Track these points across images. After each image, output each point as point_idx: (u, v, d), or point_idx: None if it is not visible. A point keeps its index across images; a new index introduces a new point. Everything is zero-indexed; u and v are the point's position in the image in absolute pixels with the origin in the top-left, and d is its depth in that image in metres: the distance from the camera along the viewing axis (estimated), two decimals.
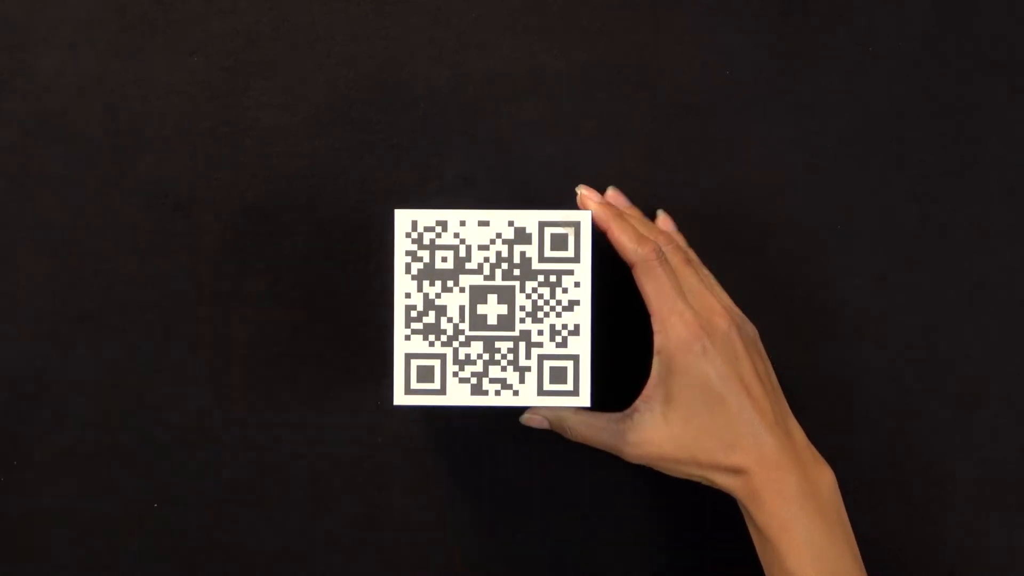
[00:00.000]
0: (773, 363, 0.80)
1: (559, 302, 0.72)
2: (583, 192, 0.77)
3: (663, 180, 0.80)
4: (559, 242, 0.72)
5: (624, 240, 0.72)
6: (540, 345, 0.72)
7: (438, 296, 0.72)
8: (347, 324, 0.81)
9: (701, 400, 0.70)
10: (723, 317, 0.71)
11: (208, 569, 0.81)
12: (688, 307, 0.71)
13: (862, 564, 0.70)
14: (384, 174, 0.80)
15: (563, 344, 0.72)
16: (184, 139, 0.80)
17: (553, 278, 0.72)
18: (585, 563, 0.81)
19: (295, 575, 0.81)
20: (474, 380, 0.72)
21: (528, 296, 0.72)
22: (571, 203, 0.81)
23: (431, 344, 0.72)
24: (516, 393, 0.72)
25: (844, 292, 0.81)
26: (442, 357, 0.72)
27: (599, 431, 0.74)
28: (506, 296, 0.72)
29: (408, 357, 0.72)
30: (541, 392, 0.71)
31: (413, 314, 0.72)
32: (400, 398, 0.72)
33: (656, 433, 0.72)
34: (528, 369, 0.72)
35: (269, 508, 0.81)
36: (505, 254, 0.72)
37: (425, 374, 0.72)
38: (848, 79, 0.80)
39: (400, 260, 0.72)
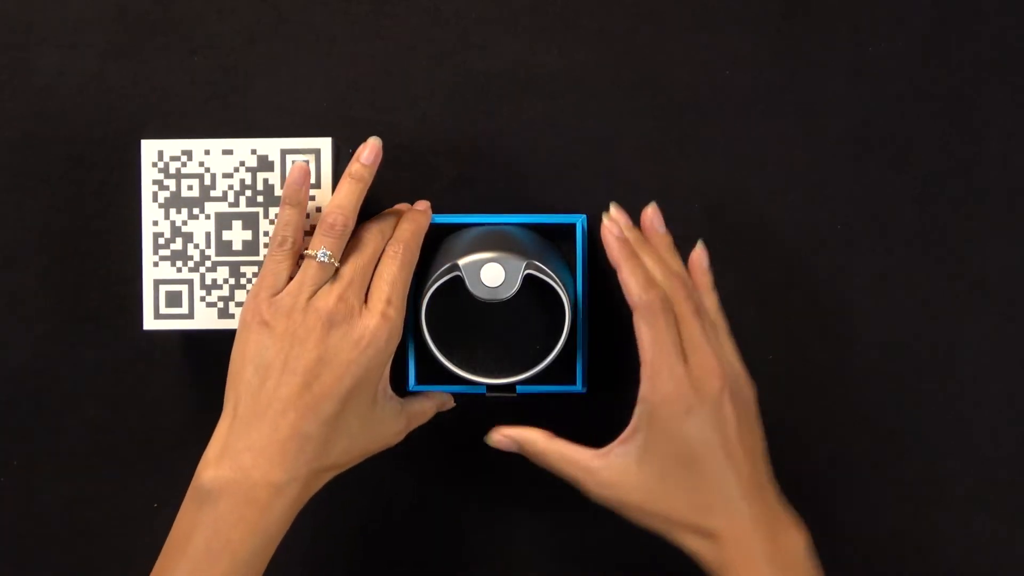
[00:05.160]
0: (774, 361, 0.80)
1: None
2: (607, 221, 0.73)
3: (663, 180, 0.80)
4: None
5: (632, 283, 0.70)
6: None
7: (184, 223, 0.74)
8: None
9: (679, 459, 0.69)
10: (718, 378, 0.69)
11: None
12: (680, 363, 0.69)
13: None
14: (384, 174, 0.80)
15: None
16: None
17: None
18: (586, 560, 0.81)
19: (295, 574, 0.81)
20: (221, 304, 0.75)
21: (272, 222, 0.75)
22: (571, 201, 0.81)
23: (179, 270, 0.74)
24: None
25: (844, 292, 0.81)
26: (189, 283, 0.74)
27: (569, 463, 0.72)
28: (250, 222, 0.74)
29: (156, 283, 0.74)
30: None
31: (161, 241, 0.75)
32: (149, 323, 0.75)
33: (628, 479, 0.70)
34: None
35: None
36: (249, 181, 0.74)
37: (173, 299, 0.74)
38: (848, 79, 0.80)
39: (147, 189, 0.75)
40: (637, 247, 0.73)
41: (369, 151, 0.74)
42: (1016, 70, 0.80)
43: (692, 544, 0.70)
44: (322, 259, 0.70)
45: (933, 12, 0.80)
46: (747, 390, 0.72)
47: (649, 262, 0.72)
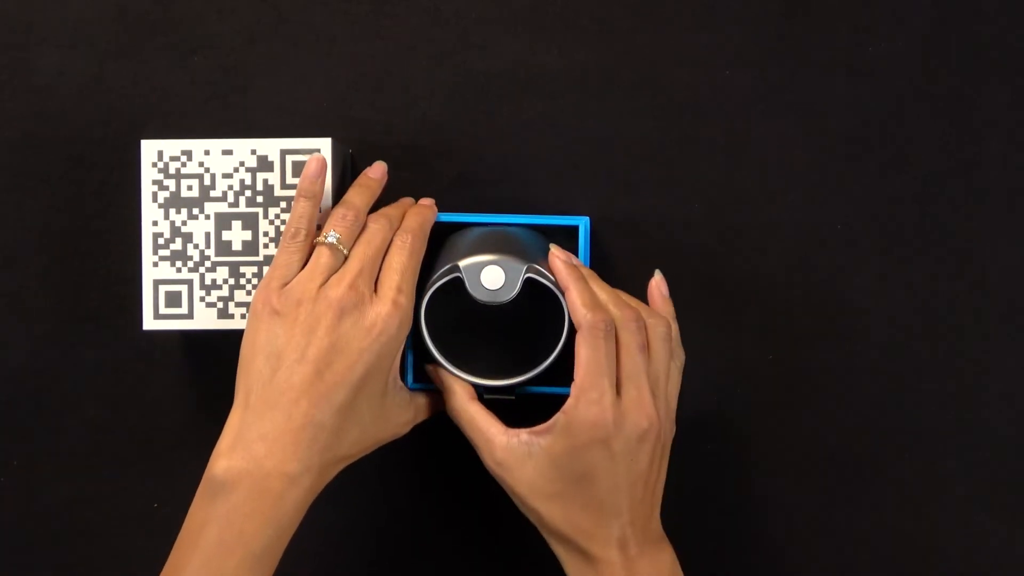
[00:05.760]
0: (774, 361, 0.80)
1: None
2: (555, 248, 0.74)
3: (663, 180, 0.80)
4: (300, 169, 0.74)
5: (578, 303, 0.70)
6: None
7: (184, 224, 0.75)
8: None
9: (576, 476, 0.69)
10: (647, 416, 0.69)
11: None
12: (611, 391, 0.69)
13: None
14: None
15: None
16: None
17: None
18: None
19: (294, 574, 0.81)
20: (220, 304, 0.75)
21: (271, 222, 0.75)
22: (571, 202, 0.81)
23: (178, 271, 0.75)
24: None
25: (844, 292, 0.81)
26: (189, 283, 0.74)
27: (476, 429, 0.72)
28: (250, 222, 0.75)
29: (156, 283, 0.75)
30: None
31: (160, 241, 0.75)
32: (149, 323, 0.75)
33: (521, 470, 0.70)
34: None
35: None
36: (249, 182, 0.75)
37: (173, 299, 0.74)
38: (848, 79, 0.80)
39: (147, 189, 0.75)
40: (589, 278, 0.73)
41: (376, 169, 0.76)
42: (1016, 70, 0.80)
43: (561, 554, 0.71)
44: (331, 240, 0.71)
45: (933, 12, 0.80)
46: (670, 433, 0.72)
47: (601, 292, 0.72)
